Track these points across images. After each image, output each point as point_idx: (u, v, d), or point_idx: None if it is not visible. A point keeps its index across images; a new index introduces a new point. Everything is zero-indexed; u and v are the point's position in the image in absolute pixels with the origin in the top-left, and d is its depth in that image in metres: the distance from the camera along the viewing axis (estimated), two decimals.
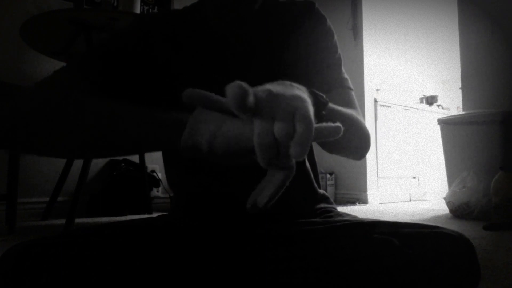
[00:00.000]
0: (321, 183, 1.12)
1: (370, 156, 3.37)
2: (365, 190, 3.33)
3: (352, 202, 3.33)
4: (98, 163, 2.44)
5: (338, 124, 0.42)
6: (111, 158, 2.48)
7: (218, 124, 0.42)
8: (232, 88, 0.36)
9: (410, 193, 3.77)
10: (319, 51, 0.73)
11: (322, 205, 0.75)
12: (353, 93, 0.75)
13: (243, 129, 0.41)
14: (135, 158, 2.48)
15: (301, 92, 0.42)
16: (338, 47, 0.76)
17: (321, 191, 0.78)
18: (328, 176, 3.43)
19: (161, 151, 0.77)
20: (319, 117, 0.46)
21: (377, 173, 3.42)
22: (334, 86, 0.71)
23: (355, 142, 0.69)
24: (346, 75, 0.75)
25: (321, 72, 0.71)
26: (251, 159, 0.42)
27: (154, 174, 2.58)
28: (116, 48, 0.67)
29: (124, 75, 0.64)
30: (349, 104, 0.71)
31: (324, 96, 0.49)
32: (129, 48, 0.67)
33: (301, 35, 0.72)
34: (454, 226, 1.91)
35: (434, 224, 0.59)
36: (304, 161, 0.75)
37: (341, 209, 0.77)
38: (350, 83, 0.75)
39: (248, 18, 0.71)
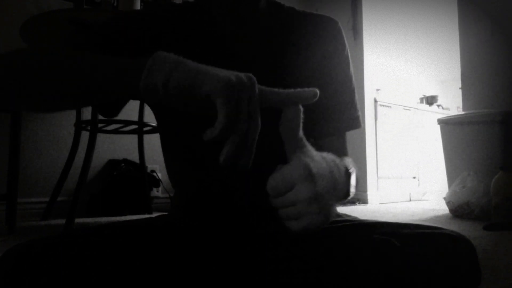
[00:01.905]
0: None
1: (370, 156, 3.37)
2: (365, 190, 3.33)
3: (352, 202, 3.33)
4: (98, 163, 2.44)
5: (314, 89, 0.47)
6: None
7: (175, 63, 0.44)
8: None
9: (410, 193, 3.77)
10: (339, 75, 0.75)
11: None
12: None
13: (199, 68, 0.44)
14: (135, 158, 2.48)
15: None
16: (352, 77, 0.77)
17: None
18: None
19: (162, 149, 0.77)
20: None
21: (377, 173, 3.42)
22: (338, 128, 0.78)
23: None
24: (357, 108, 0.78)
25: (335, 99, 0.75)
26: (205, 107, 0.44)
27: (154, 174, 2.58)
28: (117, 28, 0.67)
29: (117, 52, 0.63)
30: (339, 151, 0.73)
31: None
32: (129, 30, 0.67)
33: (321, 51, 0.73)
34: (454, 226, 1.91)
35: (434, 225, 0.59)
36: None
37: (341, 209, 0.77)
38: (359, 112, 0.79)
39: (249, 18, 0.71)
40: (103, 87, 0.50)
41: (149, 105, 0.75)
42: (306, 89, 0.48)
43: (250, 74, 0.46)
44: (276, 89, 0.48)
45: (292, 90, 0.48)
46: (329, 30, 0.74)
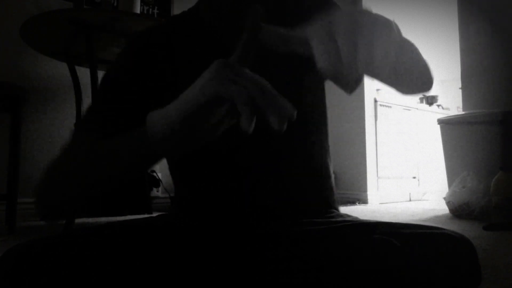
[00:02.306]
0: None
1: (370, 156, 3.37)
2: (365, 190, 3.33)
3: (352, 202, 3.33)
4: None
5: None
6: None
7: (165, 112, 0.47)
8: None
9: (410, 193, 3.77)
10: None
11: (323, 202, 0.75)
12: None
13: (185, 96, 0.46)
14: None
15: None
16: None
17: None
18: None
19: None
20: None
21: (377, 173, 3.42)
22: None
23: (410, 65, 0.64)
24: None
25: None
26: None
27: (154, 174, 2.58)
28: (120, 90, 0.67)
29: (134, 107, 0.65)
30: None
31: None
32: (131, 84, 0.67)
33: None
34: (454, 226, 1.91)
35: (434, 225, 0.59)
36: (315, 159, 0.74)
37: (341, 209, 0.77)
38: None
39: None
40: (129, 172, 0.57)
41: None
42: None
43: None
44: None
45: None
46: None
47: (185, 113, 0.44)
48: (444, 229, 0.57)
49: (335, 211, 0.73)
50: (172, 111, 0.46)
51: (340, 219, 0.67)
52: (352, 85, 0.48)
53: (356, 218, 0.69)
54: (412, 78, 0.62)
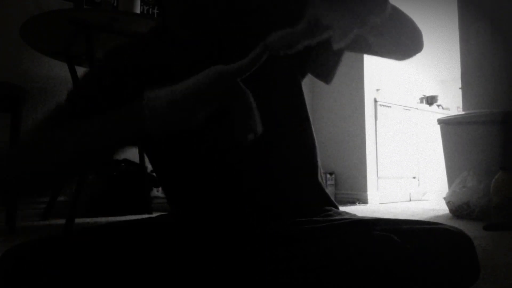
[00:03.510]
0: None
1: (370, 156, 3.37)
2: (365, 190, 3.33)
3: (352, 202, 3.33)
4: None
5: None
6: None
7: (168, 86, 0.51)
8: None
9: (410, 193, 3.76)
10: None
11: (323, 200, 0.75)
12: None
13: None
14: (135, 158, 2.48)
15: None
16: None
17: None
18: (328, 176, 3.43)
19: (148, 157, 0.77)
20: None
21: (377, 173, 3.42)
22: None
23: (399, 32, 0.62)
24: None
25: None
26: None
27: (154, 174, 2.58)
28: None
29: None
30: None
31: None
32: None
33: None
34: (454, 226, 1.91)
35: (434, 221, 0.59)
36: (313, 157, 0.74)
37: (341, 209, 0.77)
38: None
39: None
40: (108, 147, 0.55)
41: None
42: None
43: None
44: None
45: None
46: None
47: (189, 94, 0.48)
48: (442, 224, 0.58)
49: (333, 208, 0.73)
50: (177, 90, 0.49)
51: (338, 217, 0.67)
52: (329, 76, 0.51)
53: (355, 215, 0.69)
54: (404, 43, 0.64)
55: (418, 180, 3.79)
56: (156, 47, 0.71)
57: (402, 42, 0.66)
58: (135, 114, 0.50)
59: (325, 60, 0.74)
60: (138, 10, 1.98)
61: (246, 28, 0.70)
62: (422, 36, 0.68)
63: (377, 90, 3.87)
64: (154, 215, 1.14)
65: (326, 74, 0.76)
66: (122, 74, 0.67)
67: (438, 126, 2.65)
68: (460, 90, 2.86)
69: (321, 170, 0.77)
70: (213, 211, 0.68)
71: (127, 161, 2.49)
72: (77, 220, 1.82)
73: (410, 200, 3.73)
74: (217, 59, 0.57)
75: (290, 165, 0.70)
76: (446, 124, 2.59)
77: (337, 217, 0.66)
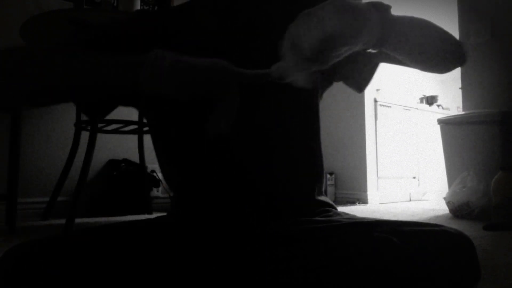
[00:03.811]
0: None
1: (370, 156, 3.37)
2: (365, 190, 3.33)
3: (352, 202, 3.33)
4: (98, 163, 2.44)
5: None
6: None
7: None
8: None
9: (410, 193, 3.76)
10: None
11: (323, 203, 0.75)
12: None
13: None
14: (135, 158, 2.48)
15: None
16: None
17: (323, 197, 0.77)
18: (328, 176, 3.43)
19: (156, 154, 0.77)
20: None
21: (377, 173, 3.42)
22: None
23: (428, 46, 0.62)
24: None
25: None
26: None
27: (154, 174, 2.58)
28: (116, 31, 0.69)
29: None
30: None
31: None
32: (128, 33, 0.68)
33: None
34: (454, 226, 1.89)
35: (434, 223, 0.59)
36: (313, 155, 0.74)
37: (341, 209, 0.77)
38: None
39: (240, 10, 0.71)
40: (100, 81, 0.54)
41: (141, 108, 0.75)
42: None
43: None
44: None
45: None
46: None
47: (190, 70, 0.50)
48: (443, 225, 0.57)
49: (333, 209, 0.73)
50: (182, 60, 0.51)
51: (338, 217, 0.67)
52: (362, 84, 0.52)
53: (354, 216, 0.69)
54: (437, 56, 0.63)
55: (418, 180, 3.79)
56: (177, 18, 0.73)
57: (436, 56, 0.65)
58: (136, 62, 0.51)
59: (360, 71, 0.75)
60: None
61: (251, 23, 0.71)
62: (461, 48, 0.66)
63: (377, 90, 3.87)
64: (154, 215, 1.14)
65: (358, 84, 0.77)
66: (141, 27, 0.70)
67: (438, 126, 2.65)
68: (460, 90, 2.86)
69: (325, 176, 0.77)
70: (213, 209, 0.68)
71: (127, 161, 2.49)
72: (77, 220, 1.82)
73: (410, 200, 3.73)
74: (222, 50, 0.60)
75: (291, 164, 0.70)
76: (446, 124, 2.59)
77: (336, 218, 0.66)
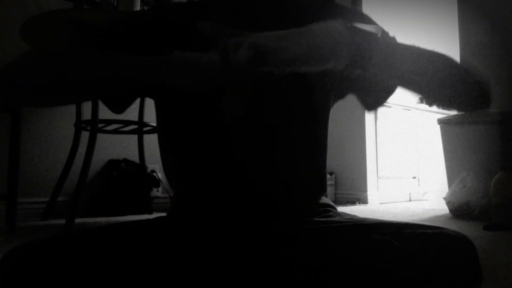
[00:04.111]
0: None
1: (370, 156, 3.37)
2: (365, 190, 3.33)
3: (352, 202, 3.33)
4: (98, 163, 2.44)
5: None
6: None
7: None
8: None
9: (410, 193, 3.76)
10: None
11: (323, 204, 0.75)
12: None
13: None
14: (135, 158, 2.48)
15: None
16: None
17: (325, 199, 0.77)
18: (328, 176, 3.43)
19: (160, 150, 0.77)
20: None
21: (377, 173, 3.42)
22: None
23: (433, 77, 0.62)
24: None
25: None
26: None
27: (154, 174, 2.58)
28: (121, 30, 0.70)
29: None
30: None
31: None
32: (135, 33, 0.69)
33: None
34: (454, 226, 1.91)
35: (435, 225, 0.59)
36: (315, 153, 0.74)
37: (341, 209, 0.77)
38: None
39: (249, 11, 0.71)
40: (124, 79, 0.57)
41: (156, 98, 0.76)
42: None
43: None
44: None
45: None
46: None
47: (207, 70, 0.52)
48: (444, 228, 0.57)
49: (333, 209, 0.73)
50: (202, 60, 0.52)
51: (338, 218, 0.67)
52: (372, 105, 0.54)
53: (354, 216, 0.69)
54: (457, 93, 0.62)
55: (418, 180, 3.79)
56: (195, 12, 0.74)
57: (446, 90, 0.63)
58: (160, 63, 0.54)
59: (376, 94, 0.76)
60: (138, 10, 1.98)
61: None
62: (487, 91, 0.65)
63: None
64: (154, 215, 1.14)
65: (370, 105, 0.78)
66: (160, 21, 0.71)
67: (438, 126, 2.65)
68: None
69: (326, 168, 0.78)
70: (214, 209, 0.68)
71: (127, 161, 2.49)
72: (77, 220, 1.82)
73: (410, 200, 3.73)
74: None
75: (293, 164, 0.70)
76: (446, 124, 2.59)
77: (337, 218, 0.66)
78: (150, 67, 0.56)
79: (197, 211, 0.70)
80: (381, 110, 3.50)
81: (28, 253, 0.50)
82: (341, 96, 0.81)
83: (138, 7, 1.98)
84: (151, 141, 2.50)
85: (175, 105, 0.69)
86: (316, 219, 0.66)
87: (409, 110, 3.84)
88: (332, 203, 0.76)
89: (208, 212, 0.68)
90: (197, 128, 0.67)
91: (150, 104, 2.41)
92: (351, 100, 0.82)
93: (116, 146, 2.55)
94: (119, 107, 0.70)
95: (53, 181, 2.18)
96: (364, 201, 3.31)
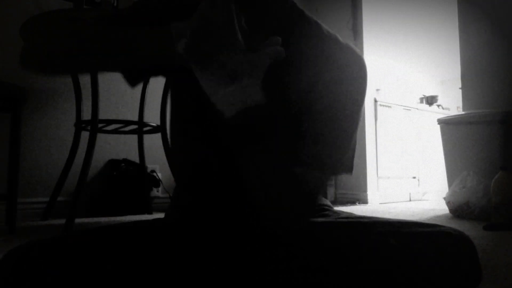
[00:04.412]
0: None
1: (370, 156, 3.37)
2: (365, 190, 3.33)
3: (352, 202, 3.33)
4: (98, 163, 2.44)
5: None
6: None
7: None
8: None
9: (410, 193, 3.77)
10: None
11: (320, 204, 0.75)
12: None
13: None
14: (135, 158, 2.48)
15: None
16: None
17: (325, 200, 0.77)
18: None
19: (171, 143, 0.77)
20: None
21: (377, 173, 3.42)
22: None
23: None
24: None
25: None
26: None
27: (154, 174, 2.58)
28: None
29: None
30: None
31: None
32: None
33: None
34: (454, 226, 1.90)
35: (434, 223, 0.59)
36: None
37: (341, 209, 0.77)
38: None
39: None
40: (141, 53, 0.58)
41: (169, 76, 0.76)
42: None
43: None
44: None
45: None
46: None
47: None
48: (443, 226, 0.57)
49: (330, 208, 0.73)
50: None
51: (336, 217, 0.67)
52: None
53: (351, 214, 0.69)
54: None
55: (418, 180, 3.80)
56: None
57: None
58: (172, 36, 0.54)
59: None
60: None
61: None
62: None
63: (377, 90, 3.87)
64: (154, 215, 1.14)
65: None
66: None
67: (438, 126, 2.65)
68: (460, 90, 2.87)
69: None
70: (214, 208, 0.68)
71: (127, 161, 2.49)
72: (77, 220, 1.82)
73: (410, 200, 3.73)
74: None
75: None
76: (446, 124, 2.59)
77: (335, 218, 0.66)
78: (164, 41, 0.55)
79: (197, 210, 0.70)
80: (381, 110, 3.51)
81: (28, 253, 0.50)
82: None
83: None
84: (151, 141, 2.50)
85: (186, 85, 0.69)
86: (316, 219, 0.66)
87: (409, 110, 3.84)
88: (329, 203, 0.76)
89: (209, 210, 0.68)
90: (204, 115, 0.67)
91: (150, 104, 2.42)
92: None
93: (116, 146, 2.55)
94: (134, 80, 0.71)
95: (53, 181, 2.18)
96: (364, 201, 3.31)
